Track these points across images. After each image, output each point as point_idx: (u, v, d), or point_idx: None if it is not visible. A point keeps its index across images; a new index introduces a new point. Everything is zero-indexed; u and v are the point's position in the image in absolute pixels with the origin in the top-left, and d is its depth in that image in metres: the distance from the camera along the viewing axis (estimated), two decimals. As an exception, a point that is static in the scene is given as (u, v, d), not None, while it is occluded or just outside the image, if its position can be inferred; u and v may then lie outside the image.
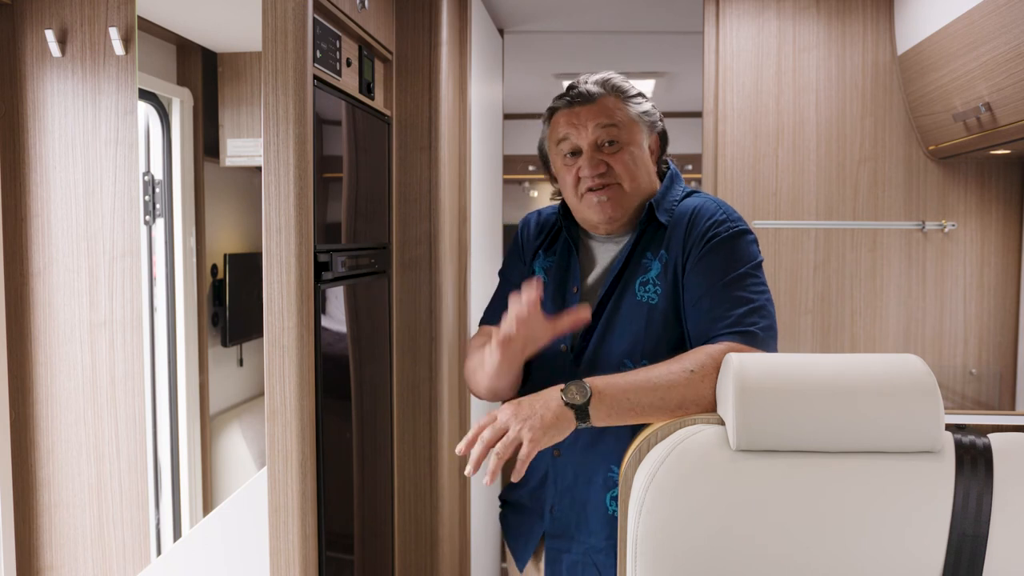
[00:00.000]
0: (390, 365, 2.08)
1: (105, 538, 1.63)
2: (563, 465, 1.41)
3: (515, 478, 1.19)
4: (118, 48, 1.57)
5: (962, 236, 2.57)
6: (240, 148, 1.74)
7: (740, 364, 1.06)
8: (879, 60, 2.54)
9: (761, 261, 1.37)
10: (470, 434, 1.22)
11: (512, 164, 5.06)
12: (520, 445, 1.18)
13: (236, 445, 1.87)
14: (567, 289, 1.47)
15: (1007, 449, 1.02)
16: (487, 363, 1.35)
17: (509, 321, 1.26)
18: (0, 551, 1.60)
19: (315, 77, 1.51)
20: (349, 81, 1.75)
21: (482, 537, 2.69)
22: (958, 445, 1.02)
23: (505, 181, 3.33)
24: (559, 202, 1.56)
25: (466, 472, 1.21)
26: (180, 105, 1.71)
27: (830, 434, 1.02)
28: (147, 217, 1.67)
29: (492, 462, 1.18)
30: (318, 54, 1.53)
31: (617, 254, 1.45)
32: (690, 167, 4.89)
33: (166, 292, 1.71)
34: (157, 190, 1.68)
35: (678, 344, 1.36)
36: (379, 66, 2.00)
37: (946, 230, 2.56)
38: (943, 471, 1.00)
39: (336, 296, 1.69)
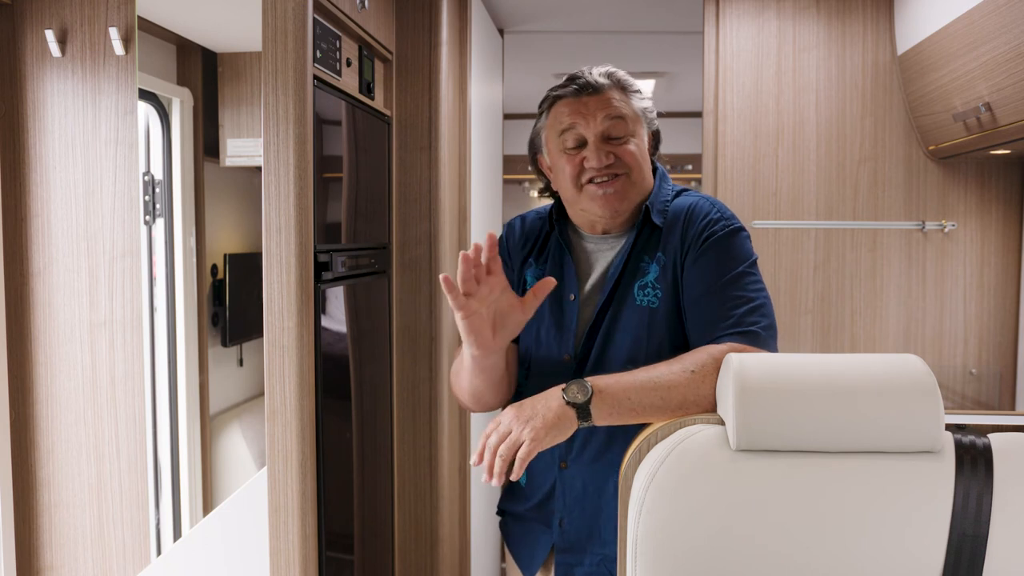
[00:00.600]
0: (390, 365, 2.08)
1: (105, 538, 1.63)
2: (571, 477, 1.39)
3: (514, 476, 1.18)
4: (118, 48, 1.57)
5: (962, 236, 2.57)
6: (240, 148, 1.74)
7: (740, 364, 1.06)
8: (879, 60, 2.54)
9: (756, 259, 1.36)
10: (479, 444, 1.21)
11: (512, 164, 5.05)
12: (521, 445, 1.18)
13: (236, 445, 1.87)
14: (564, 297, 1.44)
15: (1007, 449, 1.02)
16: (464, 355, 1.32)
17: (461, 271, 1.20)
18: (0, 551, 1.60)
19: (315, 77, 1.51)
20: (349, 81, 1.75)
21: (482, 537, 2.69)
22: (958, 445, 1.02)
23: (505, 181, 3.33)
24: (549, 204, 1.52)
25: (483, 480, 1.20)
26: (180, 105, 1.71)
27: (830, 434, 1.02)
28: (147, 217, 1.67)
29: (497, 464, 1.17)
30: (318, 54, 1.53)
31: (614, 258, 1.42)
32: (690, 167, 4.89)
33: (166, 292, 1.71)
34: (157, 190, 1.68)
35: (680, 346, 1.35)
36: (379, 66, 2.00)
37: (946, 230, 2.56)
38: (943, 471, 1.00)
39: (336, 296, 1.69)
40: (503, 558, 2.76)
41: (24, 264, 1.62)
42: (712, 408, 1.19)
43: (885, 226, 2.57)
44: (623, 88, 1.43)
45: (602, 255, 1.45)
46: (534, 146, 1.49)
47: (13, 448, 1.62)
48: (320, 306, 1.56)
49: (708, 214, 1.37)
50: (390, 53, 2.05)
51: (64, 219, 1.61)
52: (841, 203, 2.58)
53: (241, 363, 1.91)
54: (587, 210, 1.42)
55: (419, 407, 2.13)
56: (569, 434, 1.22)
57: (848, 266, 2.58)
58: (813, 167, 2.58)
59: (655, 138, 1.49)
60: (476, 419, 2.51)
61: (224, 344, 1.84)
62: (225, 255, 1.84)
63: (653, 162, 1.50)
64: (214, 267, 1.81)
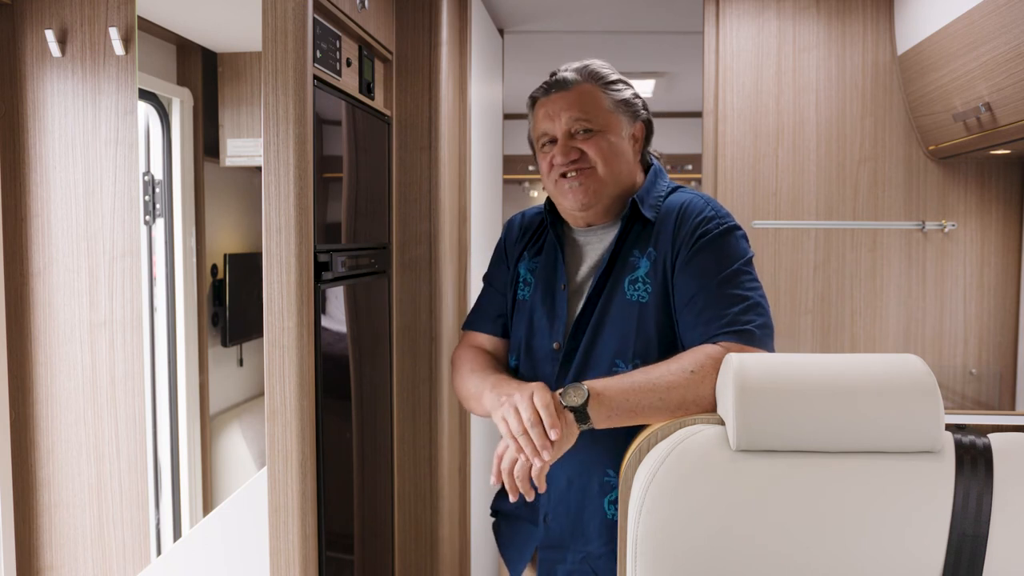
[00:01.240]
0: (390, 365, 2.08)
1: (105, 538, 1.63)
2: (555, 472, 1.38)
3: (541, 491, 1.24)
4: (118, 48, 1.57)
5: (962, 236, 2.57)
6: (240, 148, 1.74)
7: (740, 364, 1.06)
8: (879, 60, 2.54)
9: (752, 256, 1.35)
10: (493, 467, 1.26)
11: (512, 164, 5.06)
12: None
13: (236, 445, 1.87)
14: (555, 287, 1.45)
15: (1007, 449, 1.02)
16: (485, 401, 1.37)
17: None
18: (0, 551, 1.60)
19: (315, 77, 1.51)
20: (349, 81, 1.75)
21: (482, 537, 2.69)
22: (958, 445, 1.02)
23: (505, 181, 3.33)
24: (547, 198, 1.54)
25: (512, 500, 1.26)
26: (180, 105, 1.71)
27: (830, 434, 1.02)
28: (147, 217, 1.67)
29: (520, 486, 1.23)
30: (318, 54, 1.53)
31: (604, 251, 1.43)
32: (690, 167, 4.89)
33: (166, 292, 1.71)
34: (157, 190, 1.68)
35: (670, 342, 1.35)
36: (379, 66, 2.00)
37: (946, 230, 2.56)
38: (943, 471, 1.00)
39: (336, 296, 1.69)
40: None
41: (24, 264, 1.62)
42: (711, 408, 1.19)
43: (885, 226, 2.57)
44: (597, 80, 1.42)
45: (592, 247, 1.46)
46: (531, 143, 1.52)
47: (13, 448, 1.62)
48: (320, 306, 1.56)
49: (702, 212, 1.36)
50: (390, 53, 2.05)
51: (64, 219, 1.61)
52: (841, 203, 2.58)
53: (241, 363, 1.91)
54: (561, 204, 1.45)
55: (419, 407, 2.13)
56: (574, 439, 1.23)
57: (848, 266, 2.58)
58: (813, 167, 2.58)
59: (646, 128, 1.48)
60: (476, 419, 2.51)
61: (224, 344, 1.84)
62: (225, 255, 1.84)
63: (648, 157, 1.50)
64: (214, 267, 1.81)
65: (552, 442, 1.19)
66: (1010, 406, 2.56)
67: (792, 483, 1.02)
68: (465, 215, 2.35)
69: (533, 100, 1.48)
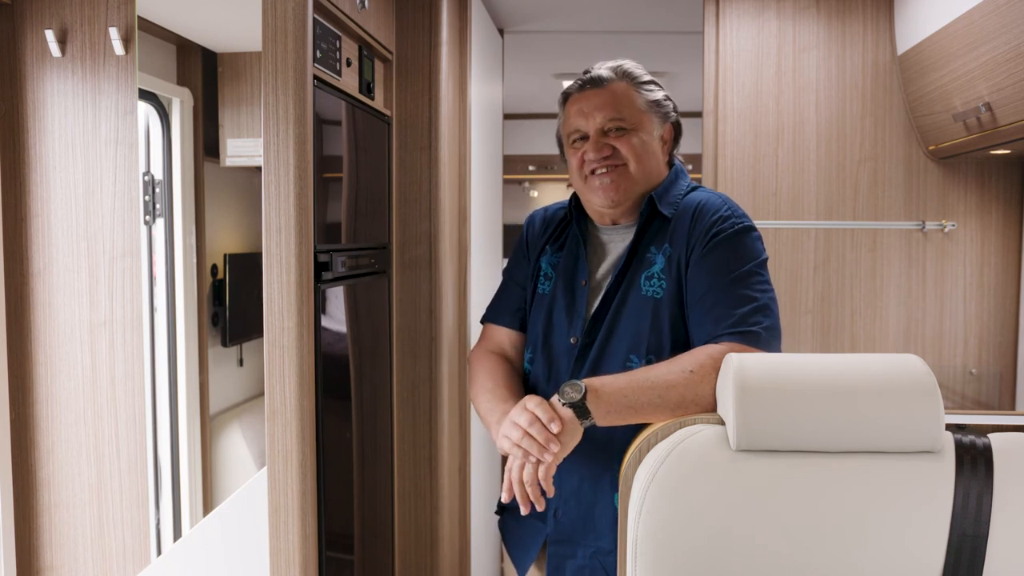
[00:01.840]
0: (390, 365, 2.08)
1: (105, 538, 1.63)
2: (567, 468, 1.39)
3: (549, 495, 1.24)
4: (118, 48, 1.57)
5: (962, 236, 2.57)
6: (240, 148, 1.74)
7: (740, 364, 1.06)
8: (879, 60, 2.54)
9: (766, 259, 1.36)
10: (504, 482, 1.27)
11: (512, 164, 5.06)
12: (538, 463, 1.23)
13: (236, 445, 1.87)
14: (576, 283, 1.46)
15: (1007, 449, 1.02)
16: (487, 411, 1.41)
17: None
18: (0, 551, 1.60)
19: (315, 77, 1.51)
20: (349, 81, 1.75)
21: (482, 537, 2.69)
22: (958, 445, 1.02)
23: (505, 181, 3.33)
24: (572, 194, 1.55)
25: (523, 512, 1.27)
26: (180, 105, 1.71)
27: (830, 434, 1.02)
28: (147, 217, 1.67)
29: (531, 492, 1.24)
30: (318, 54, 1.53)
31: (624, 247, 1.44)
32: (690, 167, 4.88)
33: (166, 292, 1.71)
34: (157, 190, 1.68)
35: (684, 339, 1.35)
36: (379, 66, 2.00)
37: (946, 230, 2.56)
38: (943, 471, 1.00)
39: (336, 296, 1.69)
40: (503, 558, 2.76)
41: (24, 264, 1.62)
42: (712, 408, 1.19)
43: (885, 226, 2.57)
44: (631, 80, 1.44)
45: (614, 245, 1.47)
46: (559, 140, 1.53)
47: (13, 448, 1.62)
48: (320, 306, 1.56)
49: (718, 211, 1.37)
50: (390, 53, 2.05)
51: (64, 219, 1.61)
52: (841, 203, 2.58)
53: (241, 363, 1.91)
54: (590, 201, 1.46)
55: (419, 407, 2.13)
56: (579, 437, 1.24)
57: (848, 266, 2.58)
58: (813, 167, 2.58)
59: (675, 130, 1.50)
60: (476, 419, 2.51)
61: (224, 344, 1.84)
62: (225, 255, 1.84)
63: (672, 157, 1.52)
64: (214, 267, 1.81)
65: (556, 436, 1.20)
66: (1010, 406, 2.56)
67: (792, 483, 1.02)
68: (465, 215, 2.35)
69: (565, 96, 1.49)
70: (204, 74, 1.73)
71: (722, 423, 1.10)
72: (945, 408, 1.01)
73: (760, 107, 2.58)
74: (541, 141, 5.00)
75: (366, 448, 1.87)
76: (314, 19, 1.49)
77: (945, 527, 0.98)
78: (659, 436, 1.10)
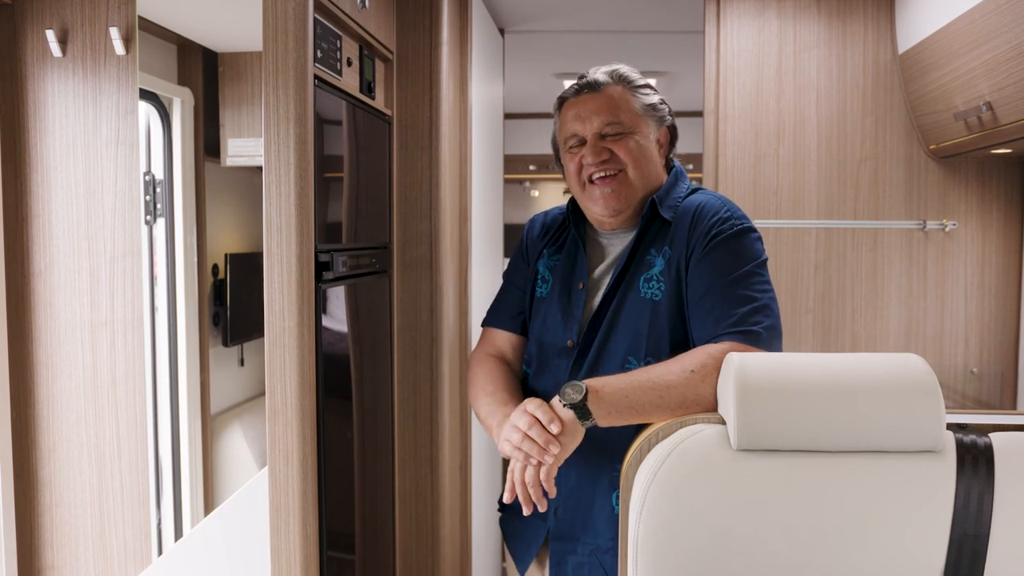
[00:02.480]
0: (391, 365, 2.08)
1: (106, 538, 1.63)
2: (566, 467, 1.40)
3: (551, 495, 1.25)
4: (119, 48, 1.57)
5: (963, 235, 2.56)
6: (241, 148, 1.75)
7: (741, 364, 1.06)
8: (880, 59, 2.54)
9: (765, 259, 1.36)
10: (507, 483, 1.28)
11: (513, 164, 5.06)
12: (540, 463, 1.24)
13: (237, 445, 1.87)
14: (572, 285, 1.46)
15: (1008, 448, 1.02)
16: (486, 414, 1.41)
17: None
18: (2, 551, 1.60)
19: (316, 77, 1.51)
20: (350, 81, 1.75)
21: (483, 537, 2.69)
22: (959, 444, 1.02)
23: (506, 181, 3.33)
24: (569, 199, 1.55)
25: (525, 513, 1.28)
26: (181, 105, 1.71)
27: (831, 434, 1.01)
28: (148, 217, 1.67)
29: (532, 493, 1.25)
30: (319, 54, 1.53)
31: (623, 250, 1.44)
32: (691, 166, 4.88)
33: (167, 292, 1.71)
34: (158, 190, 1.68)
35: (683, 341, 1.35)
36: (380, 66, 2.00)
37: (947, 229, 2.55)
38: (944, 470, 1.00)
39: (337, 296, 1.69)
40: (504, 558, 2.76)
41: (25, 264, 1.62)
42: (712, 408, 1.19)
43: (886, 225, 2.57)
44: (626, 84, 1.44)
45: (612, 248, 1.47)
46: (554, 145, 1.54)
47: (14, 448, 1.63)
48: (321, 306, 1.56)
49: (718, 212, 1.37)
50: (391, 53, 2.05)
51: (65, 219, 1.62)
52: (842, 202, 2.58)
53: (242, 363, 1.91)
54: (590, 209, 1.46)
55: (420, 407, 2.13)
56: (580, 438, 1.24)
57: (849, 265, 2.58)
58: (814, 166, 2.58)
59: (671, 134, 1.50)
60: (477, 419, 2.51)
61: (225, 344, 1.84)
62: (226, 255, 1.84)
63: (671, 160, 1.51)
64: (215, 267, 1.81)
65: (556, 437, 1.20)
66: (1011, 405, 2.56)
67: (793, 483, 1.02)
68: (466, 215, 2.35)
69: (561, 101, 1.49)
70: (205, 74, 1.73)
71: (723, 423, 1.10)
72: (946, 407, 1.01)
73: (761, 106, 2.58)
74: (542, 141, 4.99)
75: (367, 447, 1.87)
76: (315, 19, 1.49)
77: (946, 526, 0.98)
78: (660, 436, 1.10)
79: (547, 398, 1.28)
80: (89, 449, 1.62)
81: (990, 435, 1.03)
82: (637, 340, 1.36)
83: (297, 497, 1.45)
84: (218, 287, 1.82)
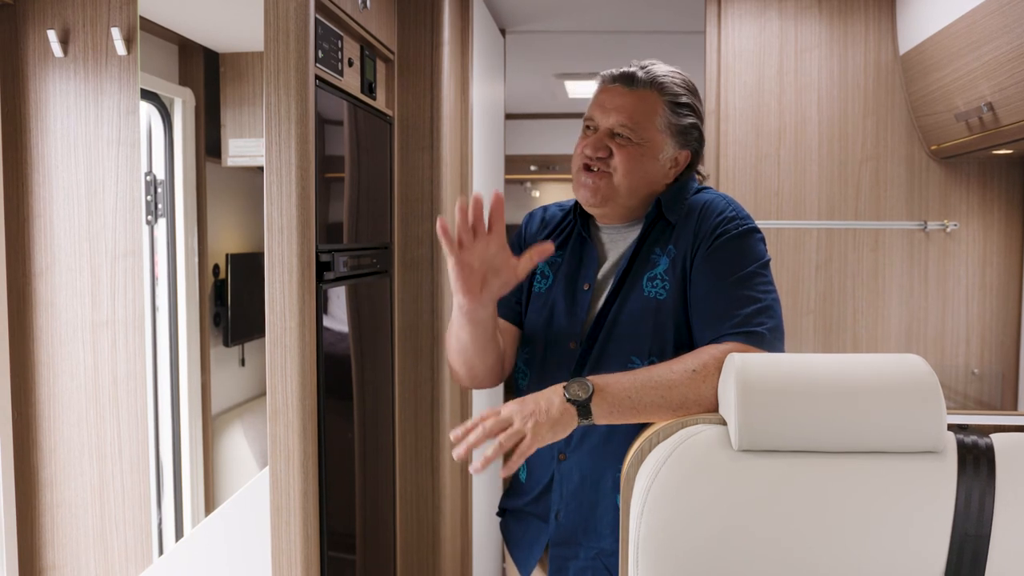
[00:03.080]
0: (392, 365, 2.08)
1: (107, 538, 1.63)
2: (568, 468, 1.39)
3: (509, 470, 1.19)
4: (120, 48, 1.57)
5: (964, 236, 2.56)
6: (242, 148, 1.75)
7: (742, 364, 1.05)
8: (881, 60, 2.54)
9: (769, 260, 1.36)
10: (469, 422, 1.21)
11: (514, 164, 5.05)
12: (522, 439, 1.18)
13: (238, 445, 1.87)
14: (578, 286, 1.45)
15: (1009, 449, 1.01)
16: (454, 309, 1.33)
17: (458, 223, 1.23)
18: (3, 551, 1.60)
19: (317, 77, 1.51)
20: (351, 81, 1.75)
21: (484, 537, 2.69)
22: (960, 445, 1.02)
23: (507, 181, 3.33)
24: (573, 198, 1.54)
25: (454, 454, 1.19)
26: (182, 105, 1.71)
27: (832, 434, 1.01)
28: (149, 217, 1.67)
29: (492, 449, 1.17)
30: (320, 54, 1.53)
31: (626, 249, 1.44)
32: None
33: (168, 292, 1.71)
34: (159, 190, 1.69)
35: (685, 341, 1.35)
36: (381, 66, 2.00)
37: (948, 230, 2.55)
38: (945, 471, 1.00)
39: (338, 296, 1.69)
40: (504, 558, 2.76)
41: (27, 264, 1.63)
42: (714, 408, 1.19)
43: (887, 226, 2.57)
44: (665, 95, 1.40)
45: (615, 246, 1.46)
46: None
47: (16, 448, 1.63)
48: (322, 306, 1.56)
49: (723, 212, 1.36)
50: (392, 53, 2.05)
51: (66, 219, 1.62)
52: (843, 203, 2.58)
53: (243, 363, 1.91)
54: (575, 194, 1.44)
55: (421, 407, 2.13)
56: (568, 432, 1.22)
57: (850, 266, 2.58)
58: (815, 167, 2.58)
59: (692, 158, 1.44)
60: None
61: (226, 344, 1.84)
62: (227, 255, 1.84)
63: (686, 178, 1.47)
64: (216, 267, 1.82)
65: (540, 426, 1.18)
66: (1012, 406, 2.56)
67: (794, 483, 1.02)
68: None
69: (601, 80, 1.45)
70: (206, 74, 1.74)
71: (724, 423, 1.10)
72: (947, 408, 1.01)
73: (762, 107, 2.58)
74: (543, 141, 5.00)
75: (368, 448, 1.87)
76: (316, 19, 1.49)
77: (947, 527, 0.98)
78: (661, 436, 1.09)
79: None
80: (90, 449, 1.63)
81: (991, 436, 1.03)
82: (641, 339, 1.36)
83: (298, 497, 1.45)
84: (219, 287, 1.82)
